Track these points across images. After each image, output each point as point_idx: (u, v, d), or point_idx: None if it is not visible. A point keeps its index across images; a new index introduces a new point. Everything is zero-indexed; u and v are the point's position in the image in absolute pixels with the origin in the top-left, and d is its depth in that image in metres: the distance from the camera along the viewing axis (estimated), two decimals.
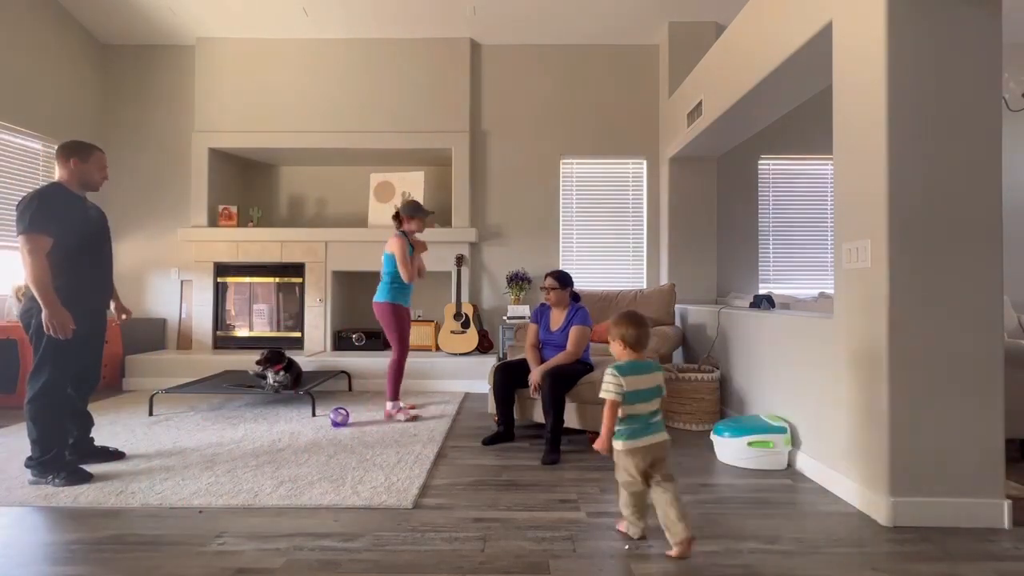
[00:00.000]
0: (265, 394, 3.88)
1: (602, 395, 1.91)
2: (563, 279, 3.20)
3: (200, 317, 5.25)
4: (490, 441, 3.12)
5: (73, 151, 2.59)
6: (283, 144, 5.20)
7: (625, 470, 1.91)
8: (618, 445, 1.91)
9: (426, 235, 5.15)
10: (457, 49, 5.27)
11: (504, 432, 3.16)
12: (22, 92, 4.57)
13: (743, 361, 3.39)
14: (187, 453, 2.92)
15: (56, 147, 2.65)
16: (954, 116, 2.13)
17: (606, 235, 5.45)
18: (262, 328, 5.33)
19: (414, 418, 3.66)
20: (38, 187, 2.58)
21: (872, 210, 2.20)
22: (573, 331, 3.09)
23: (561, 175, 5.41)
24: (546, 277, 3.23)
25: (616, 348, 2.01)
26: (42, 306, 2.41)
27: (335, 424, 3.46)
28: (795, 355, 2.79)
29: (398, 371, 3.66)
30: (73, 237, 2.53)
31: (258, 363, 3.93)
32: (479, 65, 5.38)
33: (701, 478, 2.61)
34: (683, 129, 4.64)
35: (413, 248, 3.68)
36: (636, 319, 1.99)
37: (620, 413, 1.91)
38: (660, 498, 1.85)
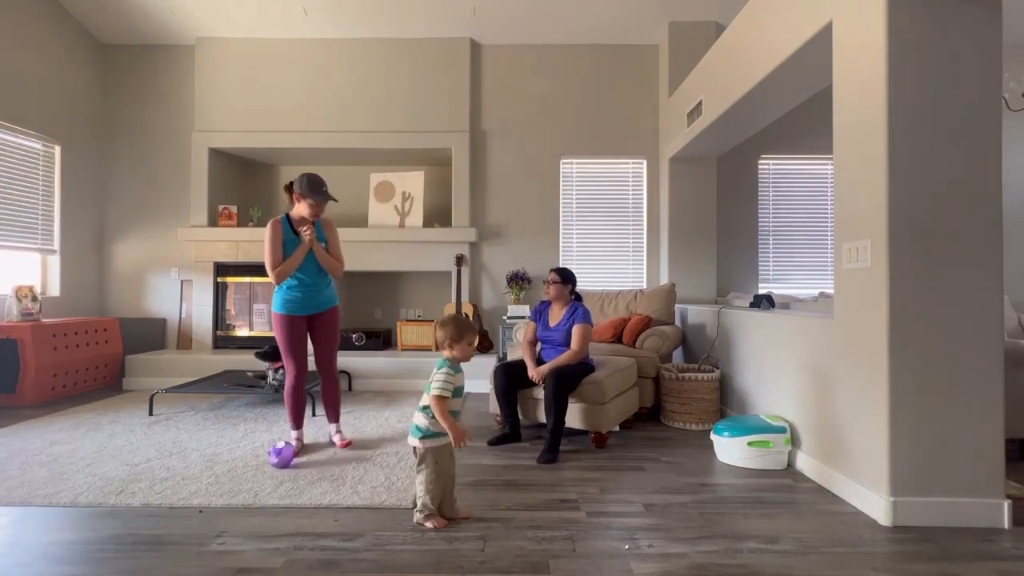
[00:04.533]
0: (265, 394, 3.87)
1: (437, 393, 2.01)
2: (565, 275, 3.25)
3: (200, 317, 5.25)
4: (496, 442, 3.11)
5: None
6: (283, 144, 5.20)
7: (440, 463, 2.06)
8: (440, 441, 2.05)
9: (427, 235, 5.16)
10: (457, 49, 5.27)
11: (511, 433, 3.15)
12: (22, 92, 4.56)
13: (743, 361, 3.39)
14: (187, 453, 2.92)
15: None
16: (954, 116, 2.13)
17: (606, 235, 5.44)
18: (262, 328, 5.32)
19: (347, 444, 3.05)
20: None
21: (872, 210, 2.20)
22: (576, 329, 3.09)
23: (561, 175, 5.41)
24: (550, 272, 3.27)
25: (450, 349, 2.14)
26: None
27: (278, 465, 2.69)
28: (795, 355, 2.79)
29: (288, 396, 2.91)
30: None
31: (258, 355, 3.88)
32: (479, 65, 5.38)
33: (701, 478, 2.61)
34: (683, 129, 4.64)
35: (298, 235, 2.90)
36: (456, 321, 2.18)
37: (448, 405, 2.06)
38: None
